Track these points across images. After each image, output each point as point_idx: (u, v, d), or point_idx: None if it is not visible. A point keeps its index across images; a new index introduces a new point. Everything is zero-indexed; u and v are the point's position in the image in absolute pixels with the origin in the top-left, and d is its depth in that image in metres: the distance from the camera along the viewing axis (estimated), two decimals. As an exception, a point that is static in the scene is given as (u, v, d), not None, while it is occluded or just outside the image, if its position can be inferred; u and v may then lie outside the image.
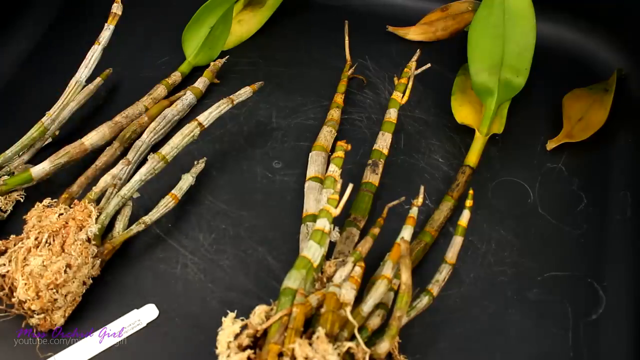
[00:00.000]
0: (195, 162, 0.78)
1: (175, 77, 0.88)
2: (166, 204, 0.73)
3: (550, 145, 0.83)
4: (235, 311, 0.59)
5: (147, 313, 0.69)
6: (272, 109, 0.87)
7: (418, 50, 0.84)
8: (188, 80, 0.90)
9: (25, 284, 0.64)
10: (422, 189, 0.67)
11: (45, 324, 0.65)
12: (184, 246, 0.74)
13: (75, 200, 0.71)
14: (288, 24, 0.98)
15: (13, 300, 0.65)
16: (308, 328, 0.58)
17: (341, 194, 0.63)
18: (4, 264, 0.66)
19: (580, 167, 0.82)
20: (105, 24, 0.82)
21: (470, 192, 0.70)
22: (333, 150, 0.78)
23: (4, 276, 0.65)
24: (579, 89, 0.87)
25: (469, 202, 0.69)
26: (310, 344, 0.54)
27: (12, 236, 0.68)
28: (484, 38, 0.82)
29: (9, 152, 0.77)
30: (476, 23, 0.83)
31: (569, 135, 0.83)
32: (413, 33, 0.96)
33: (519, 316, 0.70)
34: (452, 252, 0.68)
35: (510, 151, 0.83)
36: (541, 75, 0.86)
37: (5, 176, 0.75)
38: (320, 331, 0.55)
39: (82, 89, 0.80)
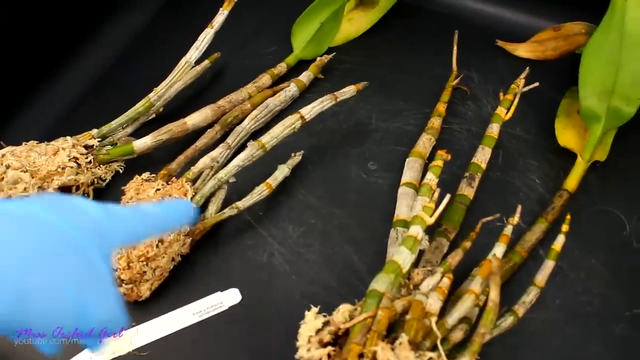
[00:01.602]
0: (292, 154, 0.78)
1: (281, 67, 0.89)
2: (260, 191, 0.74)
3: (653, 179, 0.80)
4: (319, 306, 0.59)
5: (230, 297, 0.70)
6: (373, 110, 0.87)
7: (527, 68, 0.83)
8: (292, 72, 0.90)
9: (118, 253, 0.65)
10: (519, 208, 0.66)
11: (132, 294, 0.67)
12: (273, 236, 0.75)
13: (173, 178, 0.73)
14: (396, 28, 0.98)
15: (105, 267, 0.66)
16: (390, 333, 0.58)
17: (437, 204, 0.62)
18: (100, 231, 0.67)
19: (683, 206, 0.79)
20: (220, 9, 0.83)
21: (568, 217, 0.68)
22: (430, 158, 0.78)
23: (98, 243, 0.67)
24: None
25: (565, 227, 0.68)
26: (392, 349, 0.54)
27: (110, 205, 0.70)
28: (597, 62, 0.80)
29: (114, 123, 0.79)
30: (591, 46, 0.81)
31: (674, 171, 0.80)
32: (522, 50, 0.94)
33: (602, 349, 0.68)
34: (542, 276, 0.66)
35: (610, 180, 0.81)
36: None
37: (109, 146, 0.78)
38: (404, 337, 0.55)
39: (190, 69, 0.82)
